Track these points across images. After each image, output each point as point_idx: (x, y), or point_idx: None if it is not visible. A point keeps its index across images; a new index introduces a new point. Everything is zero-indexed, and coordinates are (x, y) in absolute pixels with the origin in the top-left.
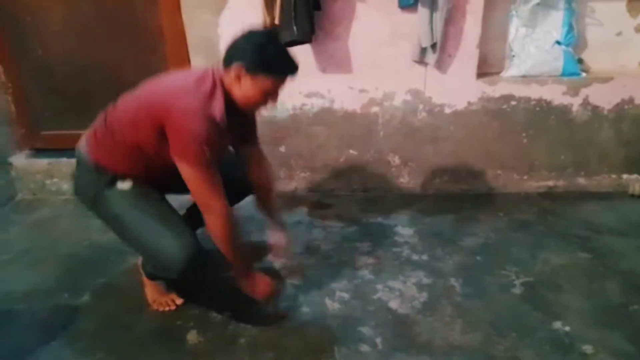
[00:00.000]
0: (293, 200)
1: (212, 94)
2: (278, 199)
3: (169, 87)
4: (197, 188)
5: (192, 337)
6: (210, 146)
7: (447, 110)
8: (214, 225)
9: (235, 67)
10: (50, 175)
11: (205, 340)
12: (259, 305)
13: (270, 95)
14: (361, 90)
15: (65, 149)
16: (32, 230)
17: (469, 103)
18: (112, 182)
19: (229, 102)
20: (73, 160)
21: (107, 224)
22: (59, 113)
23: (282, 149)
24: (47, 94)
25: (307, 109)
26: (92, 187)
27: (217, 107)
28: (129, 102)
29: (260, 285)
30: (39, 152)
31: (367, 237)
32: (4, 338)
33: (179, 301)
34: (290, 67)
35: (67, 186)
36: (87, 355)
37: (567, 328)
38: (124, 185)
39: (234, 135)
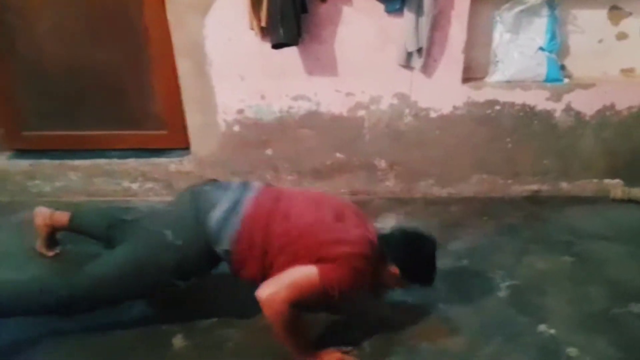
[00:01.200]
0: None
1: (375, 268)
2: None
3: (356, 236)
4: (298, 285)
5: (177, 341)
6: (340, 294)
7: (433, 115)
8: (272, 315)
9: (393, 269)
10: (32, 177)
11: (192, 345)
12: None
13: (396, 288)
14: (347, 94)
15: (48, 150)
16: (12, 233)
17: (455, 107)
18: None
19: None
20: (56, 162)
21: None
22: (42, 113)
23: (269, 151)
24: (29, 94)
25: (293, 112)
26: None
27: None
28: (307, 228)
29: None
30: (20, 153)
31: None
32: None
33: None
34: (429, 283)
35: (49, 188)
36: (71, 357)
37: (552, 331)
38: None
39: None
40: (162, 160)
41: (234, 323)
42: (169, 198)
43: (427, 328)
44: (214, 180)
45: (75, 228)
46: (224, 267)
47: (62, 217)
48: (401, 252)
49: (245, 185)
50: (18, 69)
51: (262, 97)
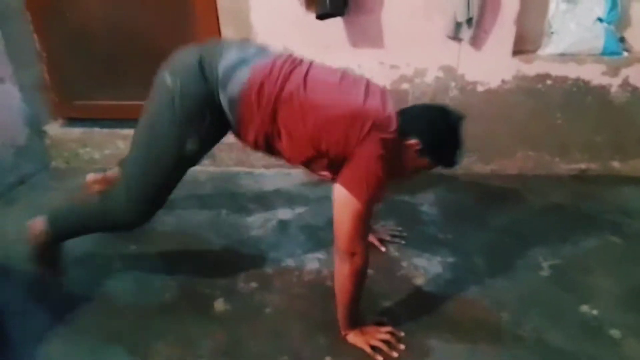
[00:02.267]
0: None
1: (399, 145)
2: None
3: (373, 106)
4: (352, 225)
5: (219, 305)
6: (382, 192)
7: (480, 89)
8: (350, 269)
9: (413, 141)
10: (83, 145)
11: (232, 309)
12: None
13: (422, 171)
14: (392, 66)
15: (98, 119)
16: (68, 197)
17: (503, 81)
18: (197, 133)
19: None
20: (105, 131)
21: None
22: (93, 83)
23: None
24: (81, 63)
25: None
26: (197, 101)
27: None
28: (327, 93)
29: (372, 331)
30: (72, 121)
31: (392, 214)
32: (45, 296)
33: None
34: (454, 163)
35: (99, 155)
36: (120, 316)
37: (595, 312)
38: (192, 146)
39: None
40: None
41: (273, 289)
42: (211, 168)
43: (466, 302)
44: None
45: None
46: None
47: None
48: (423, 121)
49: (266, 48)
50: (70, 40)
51: None
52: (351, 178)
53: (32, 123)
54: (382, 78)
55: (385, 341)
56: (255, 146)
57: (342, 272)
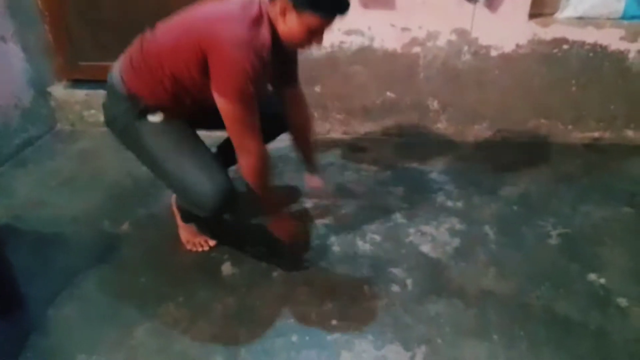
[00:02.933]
0: (327, 142)
1: (259, 23)
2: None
3: (214, 12)
4: (235, 125)
5: (226, 269)
6: (254, 82)
7: (494, 53)
8: (246, 164)
9: (281, 0)
10: (88, 107)
11: (240, 273)
12: (286, 246)
13: (316, 34)
14: (403, 29)
15: (103, 81)
16: (75, 159)
17: (518, 46)
18: (144, 113)
19: (273, 37)
20: None
21: (138, 156)
22: (98, 44)
23: (318, 89)
24: (86, 23)
25: (345, 47)
26: (123, 117)
27: (264, 39)
28: (169, 28)
29: (286, 227)
30: (77, 83)
31: (401, 182)
32: (56, 258)
33: (212, 242)
34: (340, 6)
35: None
36: (131, 279)
37: (602, 281)
38: (155, 117)
39: (274, 72)
40: None
41: (280, 254)
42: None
43: (473, 270)
44: None
45: None
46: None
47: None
48: None
49: None
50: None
51: None
52: (219, 80)
53: (36, 84)
54: (392, 41)
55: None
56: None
57: (241, 163)
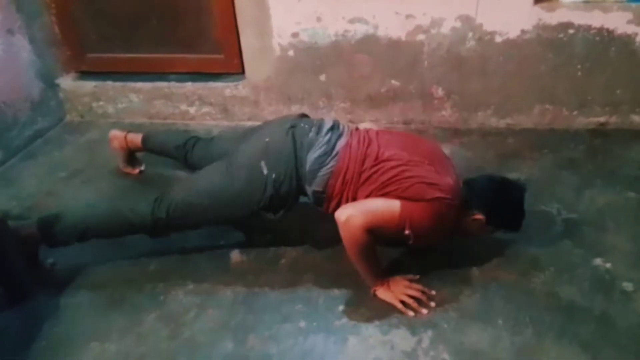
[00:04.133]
0: None
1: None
2: None
3: (444, 184)
4: (378, 214)
5: (235, 256)
6: (415, 235)
7: (498, 39)
8: (350, 237)
9: (477, 215)
10: (97, 98)
11: (248, 260)
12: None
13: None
14: (407, 16)
15: (111, 72)
16: (84, 151)
17: (523, 31)
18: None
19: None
20: (118, 84)
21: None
22: (105, 35)
23: (323, 77)
24: (92, 15)
25: (349, 36)
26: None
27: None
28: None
29: (400, 286)
30: (85, 74)
31: None
32: (66, 248)
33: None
34: (516, 229)
35: (112, 109)
36: (141, 267)
37: (608, 265)
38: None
39: None
40: (218, 84)
41: (288, 241)
42: (224, 122)
43: (478, 257)
44: (305, 115)
45: (150, 147)
46: None
47: (136, 138)
48: (489, 198)
49: (334, 125)
50: None
51: (318, 20)
52: (413, 206)
53: (45, 77)
54: (397, 29)
55: (415, 298)
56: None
57: (344, 234)
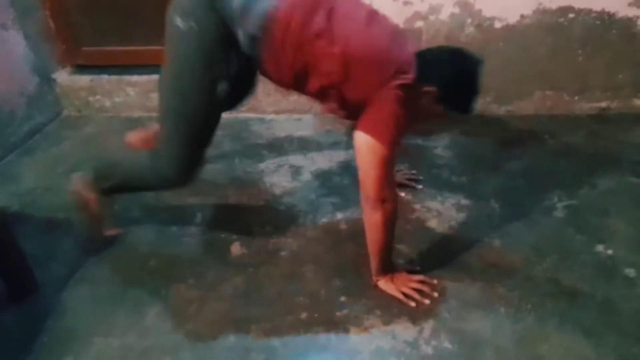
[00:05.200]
0: (331, 120)
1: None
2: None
3: (397, 51)
4: (380, 172)
5: (235, 249)
6: (403, 136)
7: (498, 25)
8: (383, 214)
9: (428, 90)
10: (93, 92)
11: (249, 253)
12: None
13: (436, 119)
14: (405, 3)
15: (107, 66)
16: (82, 145)
17: (523, 16)
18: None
19: None
20: (114, 78)
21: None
22: (100, 29)
23: None
24: (86, 8)
25: None
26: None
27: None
28: (345, 44)
29: (402, 279)
30: (81, 68)
31: (405, 158)
32: (67, 243)
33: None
34: (472, 110)
35: (109, 103)
36: (141, 262)
37: (610, 251)
38: (222, 88)
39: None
40: None
41: (288, 233)
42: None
43: (479, 244)
44: None
45: None
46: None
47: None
48: (440, 68)
49: None
50: None
51: None
52: (373, 122)
53: (40, 71)
54: (394, 16)
55: (418, 290)
56: (283, 84)
57: (374, 221)
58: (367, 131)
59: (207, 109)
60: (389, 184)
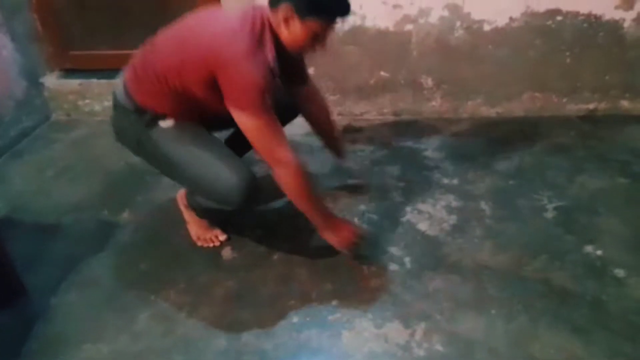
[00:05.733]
0: None
1: (262, 36)
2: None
3: (215, 31)
4: (261, 139)
5: (226, 253)
6: (268, 92)
7: (487, 28)
8: (286, 177)
9: (283, 8)
10: (82, 96)
11: (240, 256)
12: (344, 254)
13: (320, 39)
14: (395, 6)
15: (95, 70)
16: (71, 148)
17: (511, 19)
18: (154, 121)
19: (277, 44)
20: (104, 82)
21: (157, 165)
22: (88, 32)
23: (311, 70)
24: (75, 11)
25: (337, 27)
26: (134, 129)
27: (269, 51)
28: (171, 45)
29: (345, 233)
30: (69, 72)
31: (397, 160)
32: (56, 247)
33: (223, 237)
34: (341, 9)
35: (99, 107)
36: (132, 266)
37: (599, 252)
38: (167, 123)
39: (283, 77)
40: None
41: (279, 236)
42: None
43: (470, 246)
44: None
45: None
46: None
47: None
48: None
49: None
50: None
51: None
52: (234, 96)
53: (28, 75)
54: (384, 19)
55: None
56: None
57: (280, 182)
58: (234, 106)
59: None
60: (277, 146)
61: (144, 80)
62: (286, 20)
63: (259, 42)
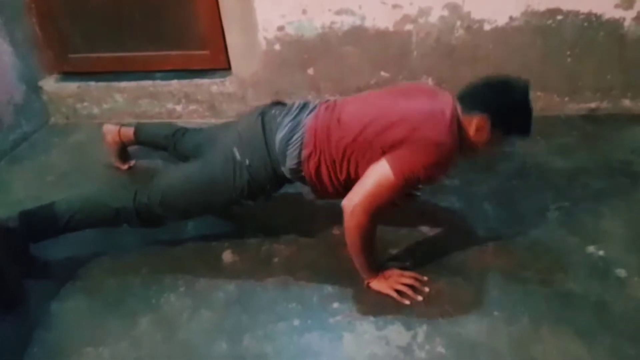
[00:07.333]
0: None
1: (453, 128)
2: None
3: (412, 111)
4: (374, 189)
5: (227, 256)
6: (426, 176)
7: (487, 27)
8: (358, 225)
9: (479, 117)
10: (81, 100)
11: (241, 260)
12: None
13: (497, 147)
14: (394, 6)
15: (94, 73)
16: (70, 153)
17: (511, 18)
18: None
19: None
20: (102, 85)
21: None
22: (87, 35)
23: (311, 71)
24: (73, 15)
25: (336, 28)
26: (268, 180)
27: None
28: (360, 120)
29: (394, 280)
30: (68, 75)
31: None
32: (57, 252)
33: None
34: (529, 132)
35: (97, 110)
36: (134, 270)
37: (601, 252)
38: (246, 203)
39: None
40: (204, 81)
41: (280, 239)
42: (212, 120)
43: (473, 247)
44: (279, 102)
45: (142, 139)
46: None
47: (128, 131)
48: (490, 97)
49: (305, 104)
50: None
51: (304, 12)
52: (398, 157)
53: (27, 79)
54: (384, 19)
55: (410, 286)
56: (335, 193)
57: (351, 225)
58: (389, 160)
59: (222, 207)
60: (378, 207)
61: (322, 153)
62: (474, 125)
63: (455, 139)
